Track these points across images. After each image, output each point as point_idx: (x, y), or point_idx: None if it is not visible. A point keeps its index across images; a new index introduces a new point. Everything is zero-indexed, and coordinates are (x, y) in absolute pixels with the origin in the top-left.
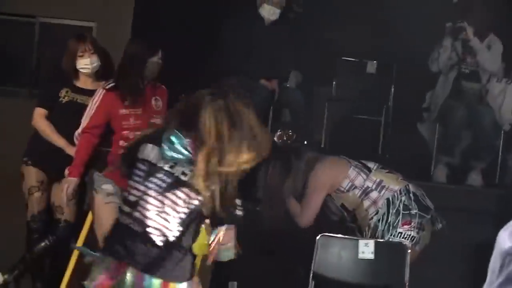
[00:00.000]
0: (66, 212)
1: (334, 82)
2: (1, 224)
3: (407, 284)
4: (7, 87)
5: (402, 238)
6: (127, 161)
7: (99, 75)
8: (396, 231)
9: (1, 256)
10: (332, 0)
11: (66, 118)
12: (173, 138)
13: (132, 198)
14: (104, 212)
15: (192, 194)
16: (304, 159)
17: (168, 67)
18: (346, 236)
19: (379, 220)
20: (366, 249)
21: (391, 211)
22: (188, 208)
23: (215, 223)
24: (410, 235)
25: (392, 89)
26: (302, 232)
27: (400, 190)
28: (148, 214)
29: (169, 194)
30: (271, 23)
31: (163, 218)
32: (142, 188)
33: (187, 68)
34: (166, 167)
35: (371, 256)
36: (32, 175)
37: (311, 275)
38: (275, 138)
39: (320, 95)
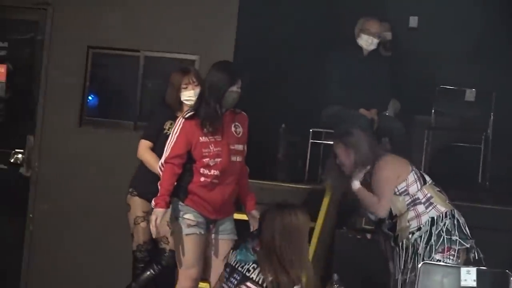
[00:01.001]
0: (171, 242)
1: (433, 110)
2: (107, 253)
3: None
4: (113, 120)
5: None
6: None
7: None
8: (435, 258)
9: (108, 284)
10: (427, 35)
11: None
12: (246, 244)
13: None
14: (184, 243)
15: (254, 287)
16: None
17: (269, 97)
18: (448, 264)
19: (420, 237)
20: (468, 276)
21: (433, 232)
22: None
23: None
24: (447, 262)
25: (492, 117)
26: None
27: (446, 213)
28: None
29: None
30: (369, 53)
31: None
32: (225, 286)
33: (288, 98)
34: (239, 267)
35: (473, 284)
36: (138, 205)
37: None
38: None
39: (419, 123)
